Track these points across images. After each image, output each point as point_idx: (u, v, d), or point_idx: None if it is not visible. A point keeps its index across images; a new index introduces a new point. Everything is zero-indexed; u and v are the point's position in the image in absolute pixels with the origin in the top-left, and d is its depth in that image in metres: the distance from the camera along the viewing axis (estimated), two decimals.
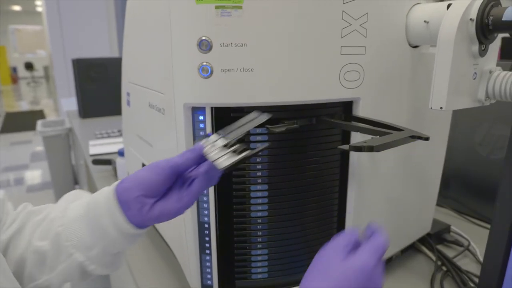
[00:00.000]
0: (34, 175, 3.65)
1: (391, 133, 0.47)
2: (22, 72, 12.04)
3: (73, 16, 3.74)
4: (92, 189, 1.89)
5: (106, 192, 0.44)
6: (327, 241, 0.62)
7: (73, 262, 0.44)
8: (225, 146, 0.44)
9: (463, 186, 0.98)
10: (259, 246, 0.58)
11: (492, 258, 0.37)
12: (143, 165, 0.78)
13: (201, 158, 0.44)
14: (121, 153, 1.04)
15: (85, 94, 2.18)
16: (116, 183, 0.44)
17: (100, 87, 2.19)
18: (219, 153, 0.43)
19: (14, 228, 0.45)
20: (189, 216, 0.56)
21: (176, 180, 0.45)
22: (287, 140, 0.55)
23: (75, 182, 2.96)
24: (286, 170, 0.56)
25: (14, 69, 12.02)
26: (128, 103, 0.86)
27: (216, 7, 0.47)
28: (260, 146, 0.47)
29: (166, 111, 0.58)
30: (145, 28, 0.64)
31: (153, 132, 0.69)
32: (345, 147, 0.43)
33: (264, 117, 0.47)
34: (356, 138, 0.57)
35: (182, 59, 0.50)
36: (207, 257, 0.57)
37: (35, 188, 3.32)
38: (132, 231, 0.43)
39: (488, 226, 0.90)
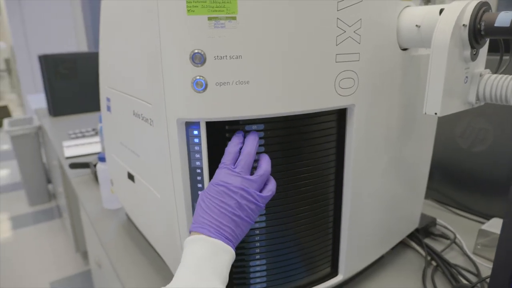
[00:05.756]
0: (2, 175, 3.48)
1: None
2: None
3: (35, 9, 3.54)
4: (69, 191, 1.82)
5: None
6: (323, 245, 0.63)
7: None
8: None
9: (444, 177, 1.01)
10: (257, 256, 0.57)
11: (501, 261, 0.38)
12: (129, 174, 0.75)
13: None
14: (101, 158, 1.00)
15: (54, 91, 2.08)
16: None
17: (70, 83, 2.10)
18: None
19: None
20: (185, 231, 0.54)
21: None
22: (282, 143, 0.53)
23: (48, 181, 2.86)
24: (281, 174, 0.54)
25: None
26: (109, 109, 0.82)
27: (209, 19, 0.44)
28: None
29: (156, 123, 0.55)
30: (127, 33, 0.61)
31: (139, 142, 0.66)
32: None
33: None
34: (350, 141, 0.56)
35: (173, 72, 0.47)
36: None
37: (5, 189, 3.16)
38: None
39: (471, 216, 0.93)
